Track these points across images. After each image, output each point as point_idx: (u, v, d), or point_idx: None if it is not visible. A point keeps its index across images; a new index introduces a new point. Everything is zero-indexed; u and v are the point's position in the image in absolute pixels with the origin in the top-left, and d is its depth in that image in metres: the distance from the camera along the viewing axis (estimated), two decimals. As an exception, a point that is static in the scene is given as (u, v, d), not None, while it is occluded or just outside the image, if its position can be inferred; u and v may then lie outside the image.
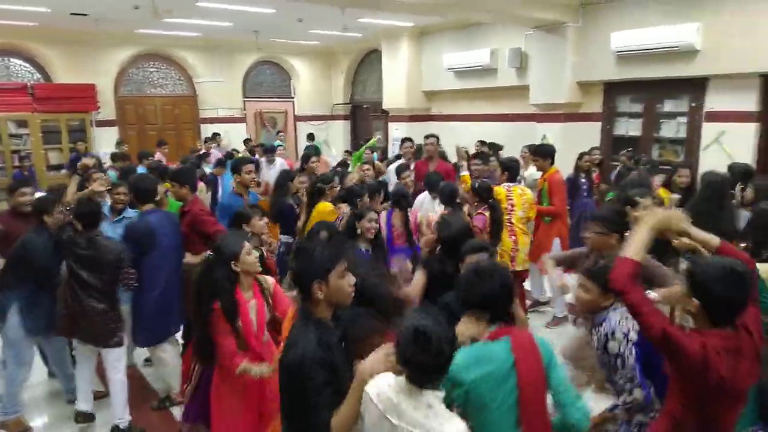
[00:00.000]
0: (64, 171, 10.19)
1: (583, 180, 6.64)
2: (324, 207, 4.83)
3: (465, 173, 5.48)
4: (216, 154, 9.53)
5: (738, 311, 1.94)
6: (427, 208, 5.12)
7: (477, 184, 4.79)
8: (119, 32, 11.25)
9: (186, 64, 13.14)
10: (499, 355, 2.00)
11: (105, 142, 11.35)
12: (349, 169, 7.67)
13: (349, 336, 2.08)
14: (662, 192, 5.10)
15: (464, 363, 1.97)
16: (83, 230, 3.59)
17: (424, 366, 1.74)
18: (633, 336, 2.34)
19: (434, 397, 1.76)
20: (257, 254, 3.00)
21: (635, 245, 2.07)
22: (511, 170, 5.25)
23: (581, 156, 6.74)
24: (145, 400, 4.25)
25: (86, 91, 11.47)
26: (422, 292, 3.10)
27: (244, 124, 13.95)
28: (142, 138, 12.71)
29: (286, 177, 5.45)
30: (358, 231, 3.88)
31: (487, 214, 4.57)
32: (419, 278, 3.14)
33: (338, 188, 5.23)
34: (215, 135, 11.50)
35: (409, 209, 4.93)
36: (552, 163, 5.71)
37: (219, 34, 11.85)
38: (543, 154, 5.74)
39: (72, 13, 9.22)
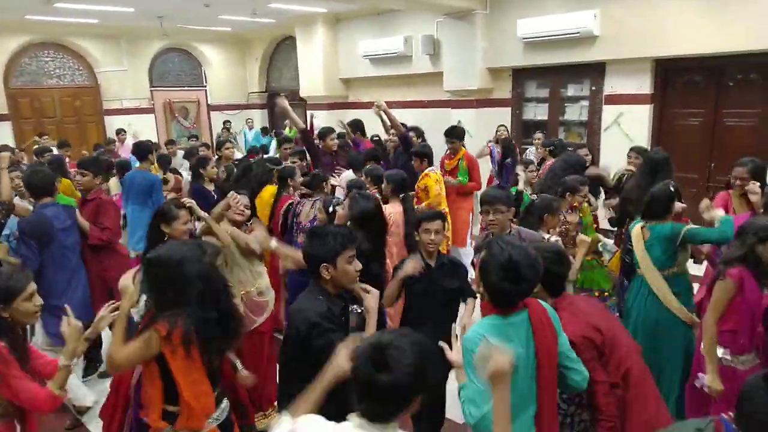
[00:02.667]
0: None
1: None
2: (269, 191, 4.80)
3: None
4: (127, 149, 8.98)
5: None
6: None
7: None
8: (6, 19, 10.33)
9: (85, 52, 12.28)
10: (518, 328, 2.01)
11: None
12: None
13: None
14: None
15: (489, 332, 1.96)
16: None
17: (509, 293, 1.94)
18: None
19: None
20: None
21: None
22: (429, 157, 5.51)
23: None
24: (58, 418, 3.95)
25: (-29, 83, 10.50)
26: None
27: (153, 114, 13.27)
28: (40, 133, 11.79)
29: (199, 164, 5.43)
30: None
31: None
32: None
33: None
34: (119, 131, 10.83)
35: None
36: (461, 143, 6.20)
37: (120, 20, 11.14)
38: (458, 135, 6.13)
39: (-53, -2, 8.40)
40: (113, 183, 6.00)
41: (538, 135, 7.49)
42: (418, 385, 1.44)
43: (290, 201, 4.57)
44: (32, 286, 2.30)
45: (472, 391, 1.90)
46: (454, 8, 8.42)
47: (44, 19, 10.50)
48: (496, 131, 7.95)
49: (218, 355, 2.24)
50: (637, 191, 4.26)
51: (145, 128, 12.31)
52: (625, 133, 7.57)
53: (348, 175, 5.53)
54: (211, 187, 5.29)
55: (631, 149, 5.50)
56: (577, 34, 7.50)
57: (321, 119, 11.36)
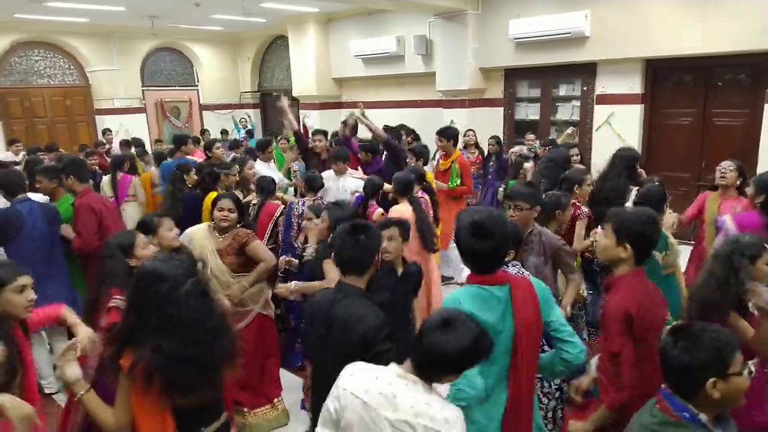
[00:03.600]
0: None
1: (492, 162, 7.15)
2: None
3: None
4: (115, 149, 8.93)
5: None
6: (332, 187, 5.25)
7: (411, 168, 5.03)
8: (-5, 17, 10.26)
9: (76, 52, 12.20)
10: (498, 300, 2.06)
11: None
12: None
13: None
14: None
15: (464, 298, 2.04)
16: None
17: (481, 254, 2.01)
18: None
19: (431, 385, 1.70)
20: None
21: None
22: (423, 156, 5.62)
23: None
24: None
25: (-41, 83, 10.41)
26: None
27: (144, 114, 13.20)
28: (31, 133, 11.72)
29: (181, 170, 5.18)
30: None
31: (427, 197, 4.77)
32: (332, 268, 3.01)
33: (236, 176, 5.10)
34: (105, 131, 10.76)
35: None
36: (455, 145, 6.16)
37: (111, 19, 11.08)
38: (448, 136, 6.09)
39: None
40: (106, 184, 5.95)
41: (530, 136, 7.55)
42: (475, 354, 1.67)
43: (281, 207, 4.58)
44: (24, 279, 2.24)
45: None
46: (445, 9, 8.45)
47: (34, 18, 10.42)
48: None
49: (183, 397, 1.88)
50: (614, 192, 4.35)
51: (137, 128, 12.24)
52: (616, 133, 7.62)
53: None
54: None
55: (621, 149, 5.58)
56: (569, 35, 7.55)
57: (313, 119, 11.37)
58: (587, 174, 4.39)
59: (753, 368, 1.64)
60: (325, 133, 6.90)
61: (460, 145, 6.92)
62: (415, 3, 8.13)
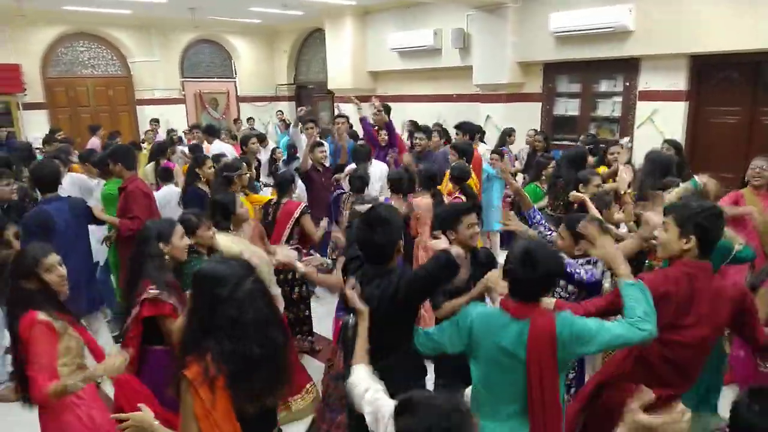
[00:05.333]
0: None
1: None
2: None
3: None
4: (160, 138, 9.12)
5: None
6: None
7: (453, 166, 4.92)
8: (44, 9, 10.56)
9: (119, 43, 12.52)
10: (510, 328, 2.06)
11: (35, 126, 10.73)
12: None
13: None
14: (600, 170, 5.28)
15: (477, 315, 2.16)
16: None
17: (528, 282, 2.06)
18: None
19: None
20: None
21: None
22: (466, 153, 5.38)
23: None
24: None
25: (10, 72, 10.78)
26: None
27: (184, 105, 13.47)
28: (75, 121, 12.09)
29: (195, 162, 5.14)
30: None
31: (463, 197, 4.62)
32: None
33: (247, 175, 4.90)
34: (152, 121, 11.01)
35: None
36: (471, 139, 6.08)
37: (153, 11, 11.32)
38: (465, 130, 6.10)
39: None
40: (149, 171, 6.08)
41: (530, 131, 7.48)
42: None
43: (301, 206, 4.36)
44: (51, 258, 2.43)
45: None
46: (485, 2, 8.36)
47: (80, 10, 10.71)
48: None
49: (252, 402, 1.80)
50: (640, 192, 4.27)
51: (176, 118, 12.49)
52: (659, 131, 7.43)
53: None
54: (206, 189, 4.90)
55: (665, 141, 5.44)
56: (611, 29, 7.38)
57: (347, 112, 11.40)
58: (595, 174, 4.30)
59: None
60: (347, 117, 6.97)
61: (481, 148, 6.73)
62: (455, -4, 8.07)
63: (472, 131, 6.14)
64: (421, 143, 6.10)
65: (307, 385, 3.80)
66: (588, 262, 2.91)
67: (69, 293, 2.55)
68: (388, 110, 6.38)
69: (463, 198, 4.63)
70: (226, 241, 3.34)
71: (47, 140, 7.54)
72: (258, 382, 1.77)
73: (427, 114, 9.72)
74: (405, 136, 7.78)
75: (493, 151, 6.40)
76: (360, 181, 4.56)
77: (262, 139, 8.45)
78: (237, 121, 12.39)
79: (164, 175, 5.34)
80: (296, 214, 4.24)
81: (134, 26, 12.31)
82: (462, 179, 4.76)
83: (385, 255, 2.31)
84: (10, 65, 10.79)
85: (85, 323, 4.07)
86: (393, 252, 2.32)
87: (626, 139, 6.18)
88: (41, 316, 2.28)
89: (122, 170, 4.42)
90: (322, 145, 5.87)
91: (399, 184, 4.50)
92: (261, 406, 1.82)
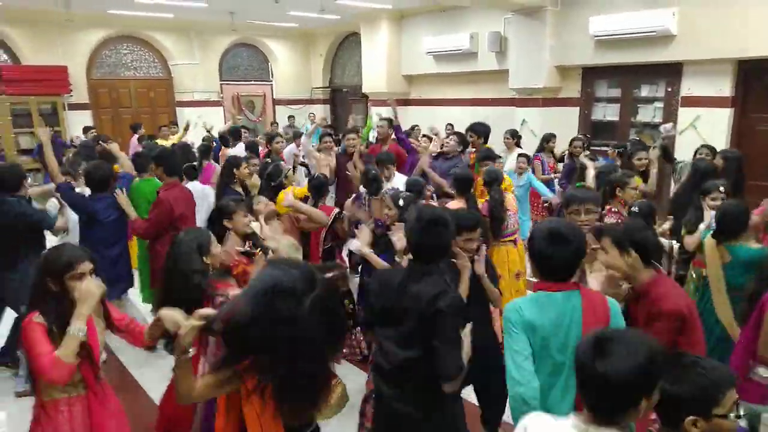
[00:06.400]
0: (30, 157, 9.98)
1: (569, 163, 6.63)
2: (296, 192, 4.63)
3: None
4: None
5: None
6: None
7: (486, 168, 4.89)
8: (90, 13, 10.92)
9: (160, 46, 12.85)
10: (562, 304, 2.05)
11: (78, 126, 11.08)
12: None
13: None
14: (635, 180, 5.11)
15: (525, 305, 2.07)
16: None
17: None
18: None
19: None
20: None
21: None
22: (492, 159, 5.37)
23: (571, 142, 6.72)
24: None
25: (57, 74, 11.17)
26: None
27: (221, 107, 13.72)
28: (117, 122, 12.45)
29: (231, 164, 5.12)
30: None
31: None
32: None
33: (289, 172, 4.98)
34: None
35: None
36: (485, 143, 6.03)
37: (193, 15, 11.58)
38: (478, 132, 6.06)
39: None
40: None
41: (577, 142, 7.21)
42: (644, 381, 1.41)
43: (335, 210, 4.43)
44: (84, 266, 2.25)
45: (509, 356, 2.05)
46: (523, 5, 8.27)
47: (124, 14, 11.03)
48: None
49: (295, 418, 1.80)
50: (682, 198, 4.19)
51: (214, 121, 12.70)
52: (702, 138, 7.20)
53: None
54: (241, 190, 4.99)
55: (702, 146, 5.25)
56: (654, 33, 7.21)
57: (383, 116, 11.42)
58: (631, 177, 4.09)
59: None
60: (358, 131, 6.80)
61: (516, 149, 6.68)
62: (492, -1, 8.01)
63: (485, 134, 6.14)
64: (451, 144, 5.86)
65: (333, 381, 3.75)
66: None
67: (107, 280, 2.52)
68: (390, 123, 6.37)
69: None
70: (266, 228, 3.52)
71: (98, 139, 7.70)
72: (304, 398, 1.73)
73: (461, 118, 9.65)
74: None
75: (520, 155, 6.27)
76: (375, 183, 4.46)
77: (297, 135, 8.47)
78: (273, 123, 12.56)
79: (189, 173, 5.40)
80: (330, 219, 4.34)
81: (175, 30, 12.62)
82: (491, 183, 4.62)
83: (439, 255, 2.34)
84: (58, 67, 11.18)
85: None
86: (446, 253, 2.37)
87: (669, 125, 5.89)
88: (36, 318, 2.16)
89: (162, 174, 4.53)
90: (353, 131, 6.05)
91: (465, 185, 4.46)
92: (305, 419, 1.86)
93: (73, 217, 4.39)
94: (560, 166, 6.95)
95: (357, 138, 6.05)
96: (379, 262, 3.17)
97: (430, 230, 2.25)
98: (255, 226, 3.46)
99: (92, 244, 3.92)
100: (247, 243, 3.25)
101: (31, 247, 3.96)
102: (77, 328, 2.12)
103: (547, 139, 7.09)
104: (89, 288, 2.18)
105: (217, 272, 2.79)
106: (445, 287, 2.24)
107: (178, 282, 2.62)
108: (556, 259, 2.04)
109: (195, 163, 5.85)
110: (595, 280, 2.59)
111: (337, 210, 4.48)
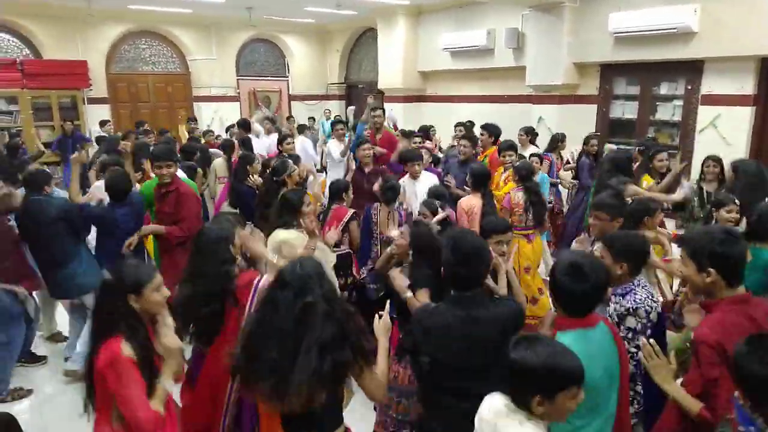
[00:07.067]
0: (49, 151, 10.08)
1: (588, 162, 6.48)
2: None
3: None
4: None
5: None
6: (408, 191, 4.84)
7: (518, 163, 4.89)
8: (110, 8, 11.04)
9: (178, 41, 12.94)
10: (599, 341, 2.02)
11: (97, 120, 11.22)
12: None
13: None
14: (646, 179, 4.97)
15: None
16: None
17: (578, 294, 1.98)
18: (654, 316, 2.39)
19: (526, 416, 1.64)
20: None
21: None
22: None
23: (587, 140, 6.60)
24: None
25: (78, 68, 11.32)
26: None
27: (238, 103, 13.80)
28: (135, 116, 12.53)
29: (245, 161, 5.17)
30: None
31: (519, 194, 4.58)
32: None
33: (296, 172, 4.76)
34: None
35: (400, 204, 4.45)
36: (494, 143, 6.04)
37: (211, 10, 11.66)
38: (491, 131, 6.14)
39: (61, -12, 9.06)
40: (220, 166, 6.20)
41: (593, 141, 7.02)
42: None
43: (351, 212, 4.26)
44: (160, 278, 2.21)
45: None
46: (542, 1, 8.20)
47: (144, 8, 11.13)
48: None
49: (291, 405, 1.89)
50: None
51: (231, 116, 12.80)
52: (722, 136, 7.11)
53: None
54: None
55: (708, 158, 4.95)
56: (674, 30, 7.11)
57: (397, 111, 11.39)
58: (656, 204, 3.61)
59: None
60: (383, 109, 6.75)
61: (529, 149, 6.59)
62: (511, -5, 7.95)
63: (496, 133, 6.17)
64: (465, 150, 5.71)
65: None
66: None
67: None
68: (384, 112, 6.53)
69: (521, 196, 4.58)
70: (289, 235, 3.41)
71: (126, 136, 7.70)
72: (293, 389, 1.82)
73: (477, 115, 9.60)
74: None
75: (532, 155, 6.20)
76: (392, 192, 4.27)
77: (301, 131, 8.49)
78: (289, 118, 12.60)
79: (189, 173, 5.37)
80: (345, 219, 4.19)
81: (194, 25, 12.70)
82: (525, 178, 4.62)
83: (476, 283, 2.25)
84: (79, 62, 11.32)
85: None
86: (481, 281, 2.29)
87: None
88: (126, 351, 2.03)
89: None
90: (367, 142, 5.65)
91: (481, 179, 4.48)
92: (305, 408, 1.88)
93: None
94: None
95: (371, 149, 5.65)
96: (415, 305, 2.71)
97: (469, 262, 2.21)
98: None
99: (109, 253, 4.03)
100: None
101: (75, 245, 4.04)
102: (168, 383, 2.13)
103: (560, 140, 7.00)
104: (174, 341, 2.18)
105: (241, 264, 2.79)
106: (510, 306, 2.29)
107: (208, 271, 2.59)
108: (581, 296, 2.00)
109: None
110: (692, 316, 2.40)
111: (352, 212, 4.31)
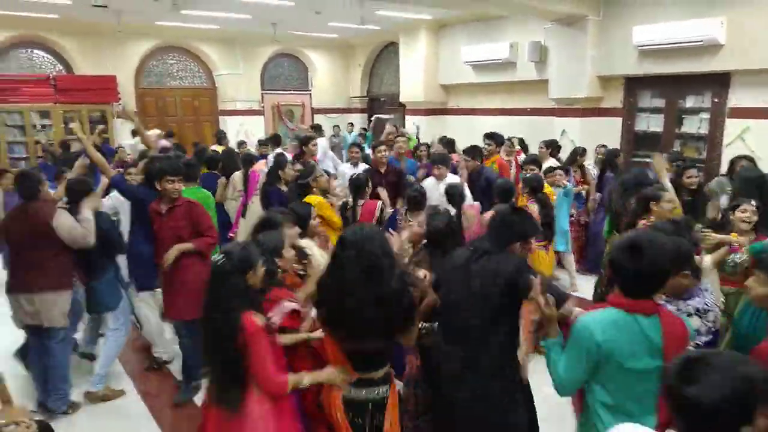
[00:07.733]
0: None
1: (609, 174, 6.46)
2: (313, 201, 4.36)
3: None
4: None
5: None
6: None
7: (527, 176, 5.08)
8: (139, 24, 11.34)
9: (205, 56, 13.22)
10: (644, 330, 1.95)
11: (126, 132, 11.49)
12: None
13: None
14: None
15: (598, 327, 1.96)
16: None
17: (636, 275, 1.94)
18: (718, 324, 2.49)
19: None
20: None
21: None
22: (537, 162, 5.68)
23: (611, 156, 6.60)
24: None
25: (107, 83, 11.63)
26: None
27: (262, 116, 14.01)
28: (162, 130, 12.78)
29: (277, 165, 5.21)
30: None
31: (534, 207, 4.62)
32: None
33: (324, 178, 4.93)
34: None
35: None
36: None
37: (237, 26, 11.90)
38: (497, 140, 6.41)
39: (93, 5, 9.31)
40: (237, 179, 6.32)
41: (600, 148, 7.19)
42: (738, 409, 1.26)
43: (379, 203, 4.58)
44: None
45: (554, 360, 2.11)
46: (564, 14, 8.19)
47: (172, 25, 11.42)
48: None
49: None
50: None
51: (256, 129, 13.01)
52: (750, 150, 6.97)
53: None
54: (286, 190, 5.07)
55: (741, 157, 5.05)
56: (700, 43, 7.04)
57: (421, 124, 11.43)
58: (664, 191, 3.86)
59: None
60: (392, 141, 6.71)
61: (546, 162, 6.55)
62: (534, 8, 7.95)
63: (501, 141, 6.44)
64: (468, 164, 5.73)
65: None
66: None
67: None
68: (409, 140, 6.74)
69: (535, 208, 4.63)
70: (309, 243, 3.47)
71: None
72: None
73: (500, 127, 9.56)
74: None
75: (556, 168, 6.14)
76: (417, 199, 4.28)
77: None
78: (315, 126, 12.69)
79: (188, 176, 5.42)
80: (377, 213, 4.46)
81: (220, 40, 12.97)
82: (536, 190, 4.78)
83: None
84: (108, 76, 11.64)
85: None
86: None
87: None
88: (259, 321, 2.27)
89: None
90: (383, 144, 5.93)
91: (508, 195, 4.53)
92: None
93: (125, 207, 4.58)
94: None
95: (386, 151, 5.84)
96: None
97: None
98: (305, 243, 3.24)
99: (142, 237, 4.20)
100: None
101: (108, 257, 4.11)
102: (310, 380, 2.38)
103: (580, 153, 6.93)
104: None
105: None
106: (509, 261, 2.46)
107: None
108: (639, 277, 1.95)
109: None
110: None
111: (380, 203, 4.64)
